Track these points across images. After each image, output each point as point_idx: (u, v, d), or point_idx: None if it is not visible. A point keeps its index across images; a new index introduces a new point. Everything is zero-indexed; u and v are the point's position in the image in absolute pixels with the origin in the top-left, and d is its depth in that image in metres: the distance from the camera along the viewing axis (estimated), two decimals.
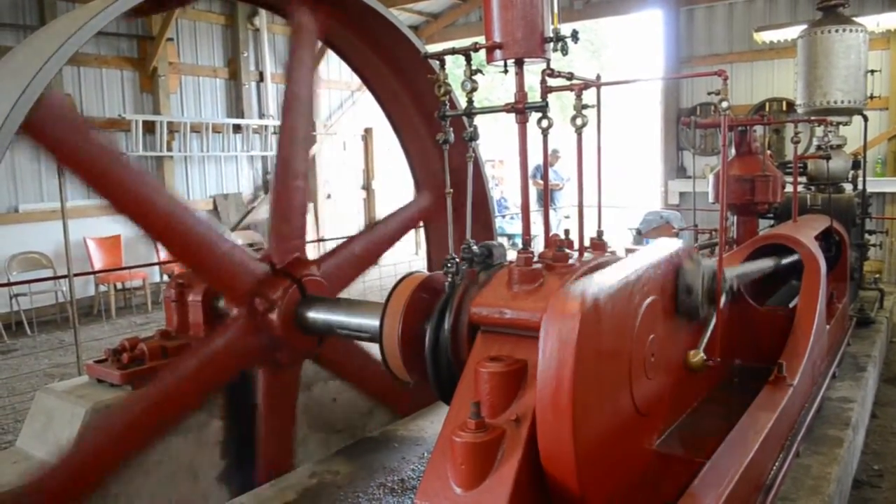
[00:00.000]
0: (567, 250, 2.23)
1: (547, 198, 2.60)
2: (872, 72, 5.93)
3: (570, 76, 2.30)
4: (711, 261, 2.65)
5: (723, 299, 2.66)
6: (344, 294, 3.32)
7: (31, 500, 2.36)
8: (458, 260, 2.30)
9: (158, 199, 2.69)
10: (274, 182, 3.22)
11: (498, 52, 2.15)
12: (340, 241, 3.59)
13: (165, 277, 10.00)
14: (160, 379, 2.76)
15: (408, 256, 14.29)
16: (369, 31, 3.53)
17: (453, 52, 2.27)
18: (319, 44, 3.49)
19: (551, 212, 2.67)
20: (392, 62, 3.71)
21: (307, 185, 3.29)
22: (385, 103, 3.98)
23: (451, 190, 2.36)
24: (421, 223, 4.17)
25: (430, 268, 4.21)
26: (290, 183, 3.16)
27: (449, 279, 2.30)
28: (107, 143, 2.61)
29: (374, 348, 3.60)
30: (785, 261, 3.97)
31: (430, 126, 3.79)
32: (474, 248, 2.30)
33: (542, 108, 2.15)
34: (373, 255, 3.60)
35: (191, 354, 2.91)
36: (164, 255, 10.57)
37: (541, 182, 10.87)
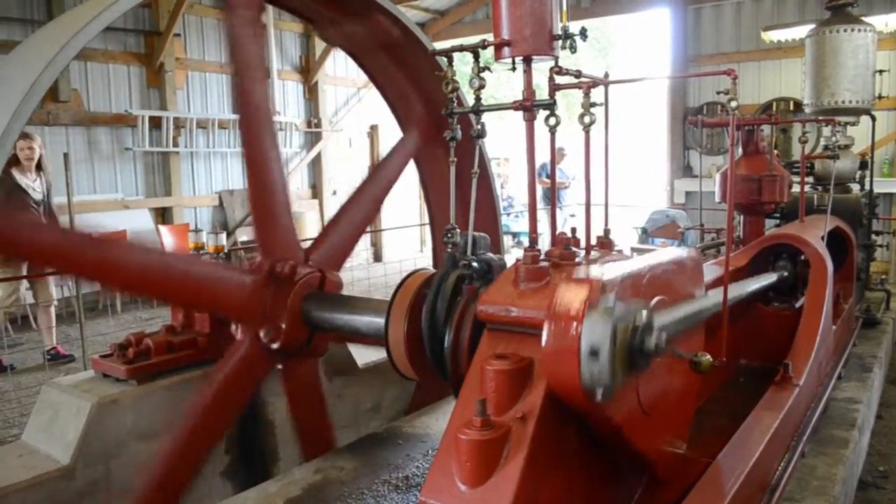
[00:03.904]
0: (574, 249, 2.23)
1: (554, 196, 2.60)
2: (881, 72, 5.90)
3: (579, 74, 2.29)
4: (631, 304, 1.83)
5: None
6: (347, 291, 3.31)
7: None
8: (458, 230, 2.30)
9: (268, 132, 2.96)
10: (345, 204, 3.56)
11: (506, 50, 2.14)
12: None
13: None
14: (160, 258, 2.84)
15: (412, 253, 14.36)
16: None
17: (461, 48, 2.26)
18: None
19: (557, 210, 2.67)
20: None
21: (366, 224, 3.65)
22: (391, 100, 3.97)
23: (455, 159, 2.34)
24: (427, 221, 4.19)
25: (435, 265, 4.21)
26: (357, 212, 3.49)
27: (449, 249, 2.31)
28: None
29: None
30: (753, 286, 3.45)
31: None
32: (474, 264, 2.28)
33: (551, 105, 2.14)
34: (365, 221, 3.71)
35: (192, 284, 2.92)
36: (168, 249, 10.60)
37: (546, 181, 10.90)
